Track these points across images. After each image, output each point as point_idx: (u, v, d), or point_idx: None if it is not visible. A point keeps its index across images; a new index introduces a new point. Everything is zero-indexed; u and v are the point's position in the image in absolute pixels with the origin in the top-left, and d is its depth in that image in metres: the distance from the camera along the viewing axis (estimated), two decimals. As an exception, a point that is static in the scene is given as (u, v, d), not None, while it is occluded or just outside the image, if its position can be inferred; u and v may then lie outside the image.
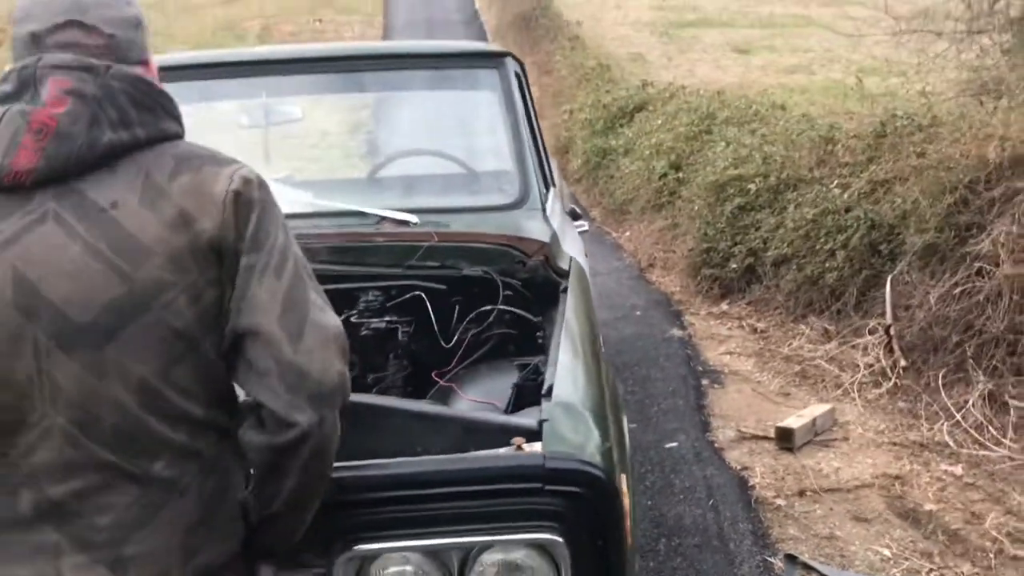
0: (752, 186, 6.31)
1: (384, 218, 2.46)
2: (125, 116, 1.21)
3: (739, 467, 3.74)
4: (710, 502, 3.43)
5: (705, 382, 4.77)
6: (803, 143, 6.29)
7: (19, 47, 1.26)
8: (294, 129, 2.84)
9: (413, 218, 2.46)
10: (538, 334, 2.16)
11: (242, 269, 1.20)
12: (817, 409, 4.12)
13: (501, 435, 1.50)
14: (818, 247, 5.44)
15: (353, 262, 2.31)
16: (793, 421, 3.95)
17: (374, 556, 1.40)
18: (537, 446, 1.44)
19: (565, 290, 2.25)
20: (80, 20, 1.24)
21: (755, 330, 5.58)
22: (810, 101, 10.19)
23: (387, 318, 2.25)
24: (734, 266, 6.20)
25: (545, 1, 19.92)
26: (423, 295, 2.26)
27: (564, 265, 2.43)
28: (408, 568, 1.40)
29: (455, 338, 2.26)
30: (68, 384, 1.15)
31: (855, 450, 3.88)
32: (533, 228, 2.52)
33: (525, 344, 2.24)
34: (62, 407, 1.15)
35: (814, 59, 16.79)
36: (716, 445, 3.98)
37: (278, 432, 1.19)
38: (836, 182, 5.58)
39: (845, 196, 5.37)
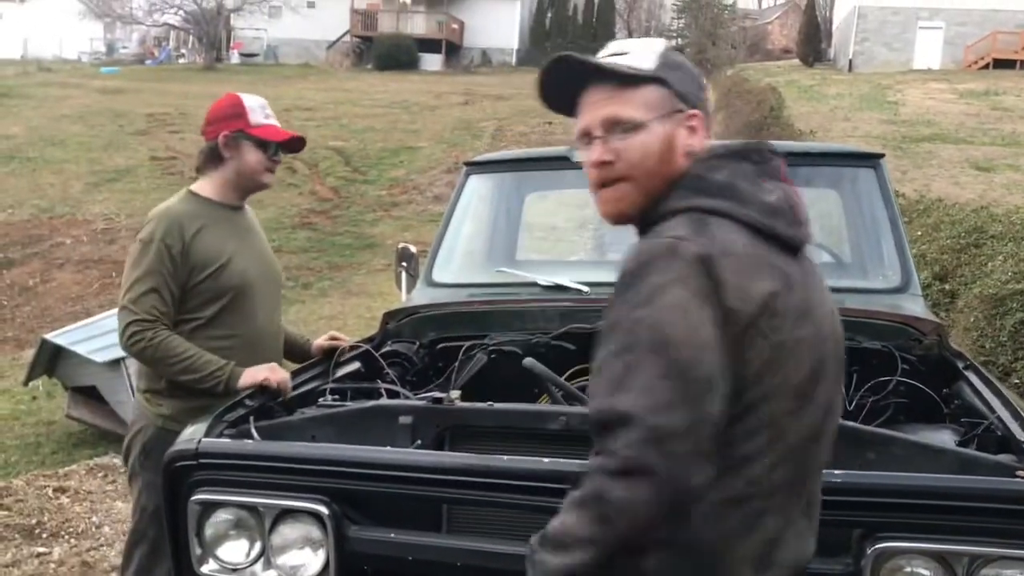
0: (1038, 301, 6.21)
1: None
2: None
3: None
4: None
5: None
6: (1099, 261, 6.16)
7: None
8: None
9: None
10: (954, 403, 2.38)
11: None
12: None
13: (995, 470, 1.76)
14: (1120, 368, 5.30)
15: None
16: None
17: (892, 553, 1.68)
18: (1037, 479, 1.69)
19: (968, 367, 2.48)
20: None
21: (1043, 447, 5.43)
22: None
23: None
24: (1016, 381, 6.08)
25: (776, 111, 20.23)
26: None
27: (955, 346, 2.66)
28: (922, 570, 1.68)
29: (854, 403, 2.53)
30: (826, 399, 1.45)
31: None
32: (918, 311, 2.77)
33: (918, 414, 2.48)
34: (831, 420, 1.47)
35: (1064, 181, 16.04)
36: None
37: None
38: None
39: None
